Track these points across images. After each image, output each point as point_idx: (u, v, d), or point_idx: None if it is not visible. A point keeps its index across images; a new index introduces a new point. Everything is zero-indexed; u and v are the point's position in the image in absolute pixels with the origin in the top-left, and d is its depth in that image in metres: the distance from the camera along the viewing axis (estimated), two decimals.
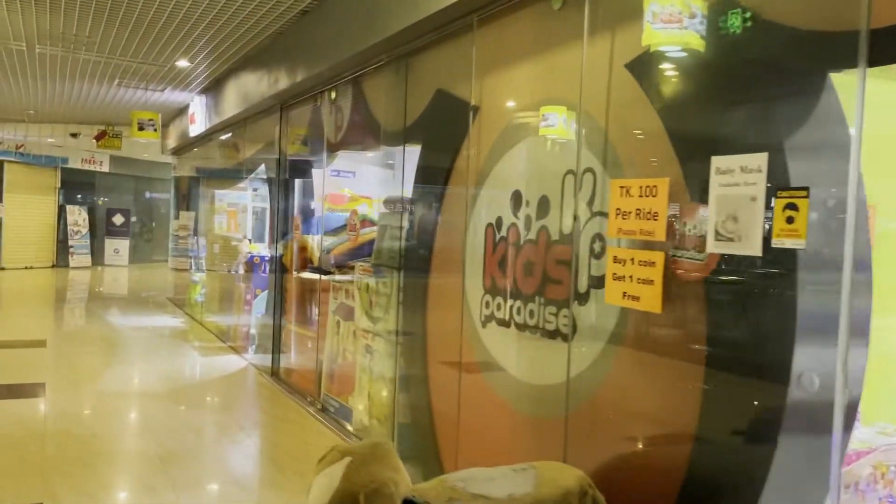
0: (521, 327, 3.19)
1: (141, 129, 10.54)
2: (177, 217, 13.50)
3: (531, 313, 3.13)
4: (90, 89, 9.59)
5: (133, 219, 20.20)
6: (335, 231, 6.29)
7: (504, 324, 3.32)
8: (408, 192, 4.31)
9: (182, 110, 10.36)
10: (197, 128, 9.35)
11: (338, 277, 5.36)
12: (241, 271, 8.39)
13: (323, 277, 5.59)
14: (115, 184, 19.51)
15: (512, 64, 3.42)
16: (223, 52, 6.93)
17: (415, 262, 4.21)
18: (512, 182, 3.34)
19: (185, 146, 11.44)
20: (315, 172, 5.98)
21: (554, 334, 2.98)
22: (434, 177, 4.06)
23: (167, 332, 9.15)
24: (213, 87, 8.56)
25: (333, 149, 5.56)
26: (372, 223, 5.79)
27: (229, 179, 9.75)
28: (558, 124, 3.12)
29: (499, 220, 3.41)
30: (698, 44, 2.33)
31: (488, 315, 3.45)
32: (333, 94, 5.41)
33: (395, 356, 4.35)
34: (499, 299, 3.37)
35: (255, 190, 8.76)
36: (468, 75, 3.64)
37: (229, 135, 9.01)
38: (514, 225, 3.28)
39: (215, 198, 11.75)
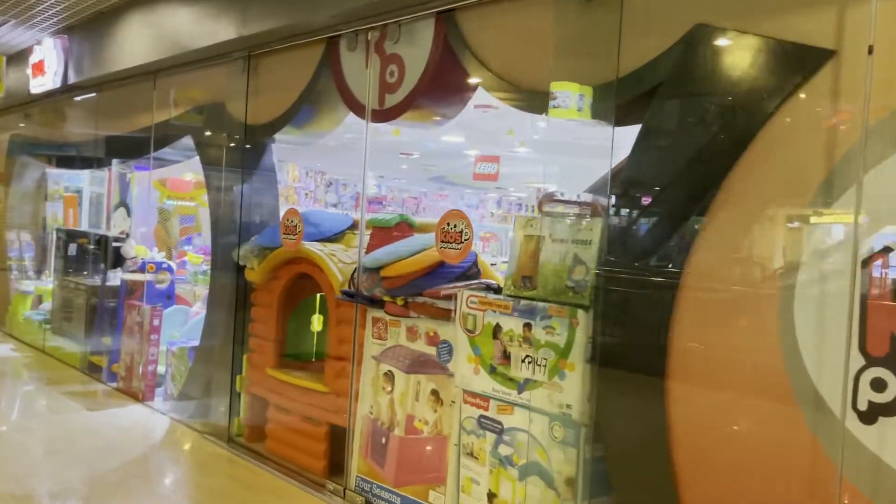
0: None
1: None
2: None
3: None
4: None
5: None
6: (337, 236, 4.44)
7: None
8: (607, 185, 2.75)
9: (16, 57, 7.54)
10: (45, 82, 6.74)
11: (381, 308, 3.58)
12: (124, 283, 6.07)
13: (368, 308, 3.75)
14: None
15: None
16: None
17: (629, 298, 2.66)
18: None
19: (12, 107, 8.46)
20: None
21: None
22: (694, 166, 2.54)
23: None
24: (87, 27, 6.10)
25: (383, 117, 3.74)
26: (409, 226, 4.06)
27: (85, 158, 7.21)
28: None
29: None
30: None
31: (880, 403, 2.04)
32: (396, 37, 3.61)
33: (577, 445, 2.76)
34: None
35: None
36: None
37: (92, 95, 6.56)
38: None
39: (47, 179, 8.95)
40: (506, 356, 3.02)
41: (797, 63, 2.28)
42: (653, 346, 2.55)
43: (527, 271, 2.98)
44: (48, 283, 8.00)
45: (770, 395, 2.28)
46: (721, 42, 2.50)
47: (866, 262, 2.09)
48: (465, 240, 3.19)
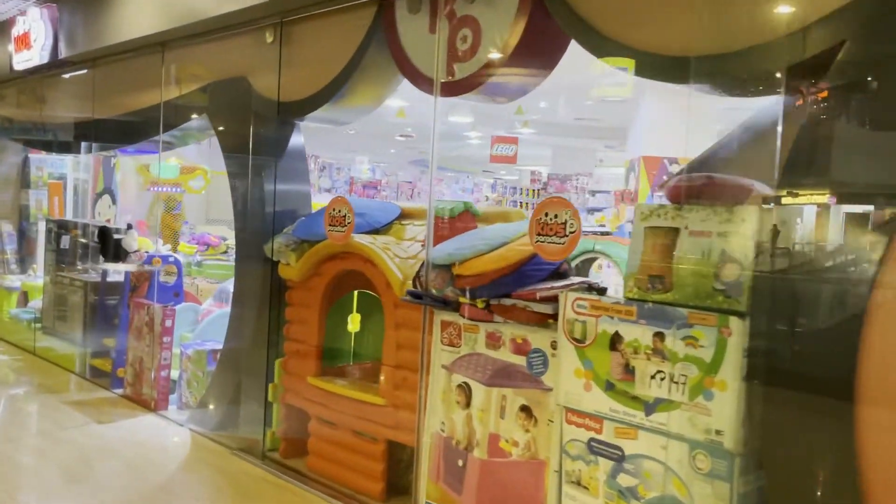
0: None
1: None
2: None
3: None
4: None
5: None
6: (385, 228, 3.94)
7: None
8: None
9: None
10: (30, 57, 6.09)
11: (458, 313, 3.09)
12: (128, 279, 5.50)
13: (435, 309, 3.25)
14: None
15: None
16: None
17: (800, 301, 2.20)
18: None
19: None
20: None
21: None
22: None
23: None
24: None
25: (452, 90, 3.23)
26: (473, 216, 3.58)
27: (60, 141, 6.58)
28: None
29: None
30: None
31: None
32: None
33: (730, 478, 2.30)
34: None
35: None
36: None
37: (83, 72, 5.93)
38: None
39: (30, 165, 8.29)
40: (628, 371, 2.56)
41: None
42: (836, 359, 2.10)
43: (655, 270, 2.51)
44: (36, 278, 7.38)
45: None
46: None
47: None
48: (571, 233, 2.70)
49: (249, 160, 4.22)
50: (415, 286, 3.31)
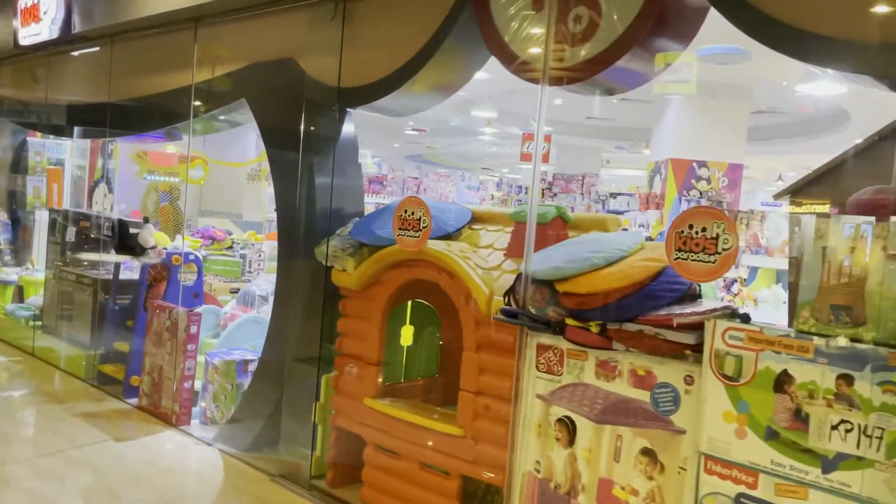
0: None
1: None
2: None
3: None
4: None
5: None
6: (456, 233, 3.49)
7: None
8: None
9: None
10: (39, 31, 5.57)
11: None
12: (142, 276, 5.02)
13: (532, 333, 2.81)
14: None
15: None
16: None
17: None
18: None
19: None
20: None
21: None
22: None
23: None
24: None
25: (562, 79, 2.79)
26: (564, 223, 3.15)
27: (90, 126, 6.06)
28: None
29: None
30: None
31: None
32: None
33: None
34: None
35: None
36: None
37: (95, 49, 5.42)
38: None
39: (28, 149, 7.75)
40: (799, 418, 2.13)
41: None
42: None
43: (840, 298, 2.09)
44: (35, 272, 6.85)
45: None
46: None
47: None
48: (725, 249, 2.28)
49: (300, 151, 3.75)
50: (507, 303, 2.87)
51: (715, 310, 2.42)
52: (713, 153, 9.17)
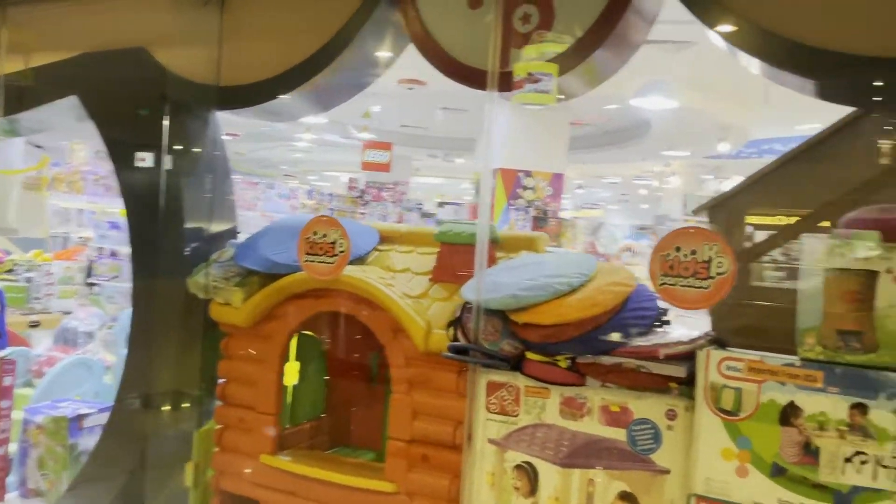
0: None
1: None
2: None
3: None
4: None
5: None
6: (363, 257, 3.05)
7: None
8: None
9: None
10: None
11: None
12: None
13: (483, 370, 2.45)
14: None
15: None
16: None
17: None
18: None
19: None
20: None
21: None
22: None
23: None
24: None
25: (508, 84, 2.48)
26: (493, 242, 2.86)
27: None
28: None
29: None
30: None
31: None
32: None
33: None
34: None
35: None
36: None
37: None
38: None
39: None
40: (808, 452, 2.01)
41: None
42: None
43: (850, 324, 1.99)
44: None
45: None
46: None
47: None
48: (719, 274, 2.11)
49: (160, 159, 3.10)
50: (454, 337, 2.51)
51: (699, 337, 2.26)
52: (537, 163, 9.43)
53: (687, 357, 2.19)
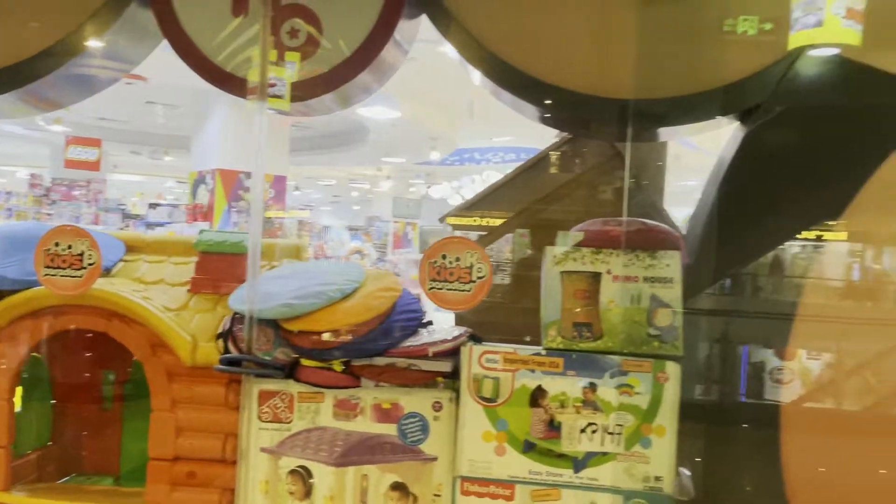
0: None
1: None
2: None
3: None
4: None
5: None
6: (110, 269, 2.85)
7: None
8: None
9: None
10: None
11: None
12: None
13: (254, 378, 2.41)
14: None
15: None
16: None
17: (720, 340, 2.36)
18: None
19: None
20: None
21: None
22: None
23: None
24: None
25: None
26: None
27: None
28: None
29: None
30: None
31: None
32: None
33: None
34: None
35: None
36: None
37: None
38: None
39: None
40: (553, 427, 2.36)
41: None
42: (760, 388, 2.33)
43: (581, 317, 2.38)
44: None
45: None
46: None
47: None
48: (480, 278, 2.38)
49: None
50: (225, 349, 2.47)
51: (461, 335, 2.51)
52: (255, 165, 9.22)
53: (451, 353, 2.43)
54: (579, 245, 2.41)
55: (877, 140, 2.38)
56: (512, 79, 2.60)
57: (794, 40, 2.37)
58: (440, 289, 2.39)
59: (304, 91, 2.53)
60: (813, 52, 2.36)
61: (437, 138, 10.64)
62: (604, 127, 2.76)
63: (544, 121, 3.02)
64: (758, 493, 2.41)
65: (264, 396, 2.51)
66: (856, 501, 2.30)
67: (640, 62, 2.34)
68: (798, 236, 2.88)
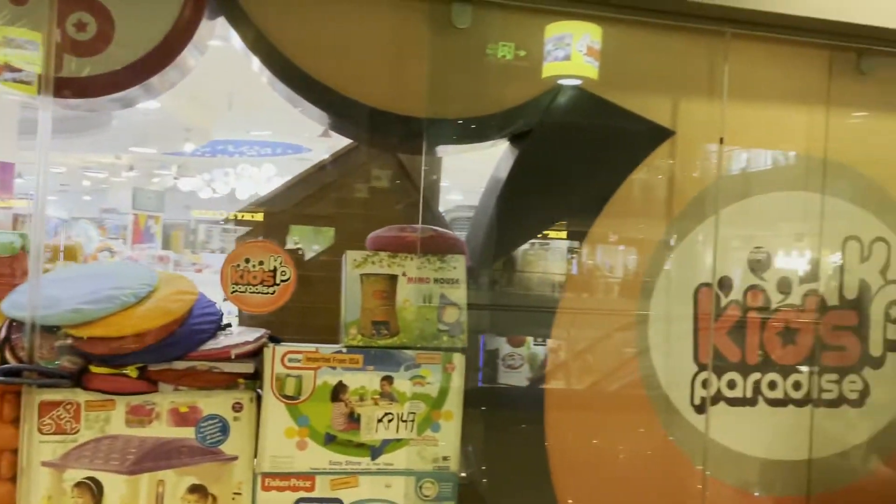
0: (782, 402, 2.95)
1: None
2: None
3: (796, 385, 2.97)
4: None
5: None
6: None
7: (746, 402, 2.92)
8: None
9: None
10: None
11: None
12: None
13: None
14: None
15: None
16: None
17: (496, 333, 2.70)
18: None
19: None
20: None
21: (836, 403, 3.01)
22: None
23: None
24: None
25: (79, 90, 2.34)
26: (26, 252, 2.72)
27: None
28: None
29: (725, 281, 2.92)
30: None
31: (712, 396, 2.89)
32: None
33: (453, 497, 2.62)
34: (732, 375, 2.91)
35: None
36: None
37: None
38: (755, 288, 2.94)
39: None
40: (353, 419, 2.53)
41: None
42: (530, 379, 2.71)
43: (379, 316, 2.57)
44: None
45: (633, 409, 2.82)
46: None
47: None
48: (283, 281, 2.47)
49: None
50: (3, 359, 2.28)
51: (261, 336, 2.57)
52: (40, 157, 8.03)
53: (253, 354, 2.48)
54: (377, 250, 2.60)
55: (610, 162, 2.88)
56: (310, 88, 2.71)
57: (547, 70, 2.81)
58: (243, 292, 2.44)
59: (108, 84, 2.42)
60: (562, 82, 2.81)
61: (192, 129, 10.18)
62: (393, 140, 2.98)
63: (333, 127, 3.18)
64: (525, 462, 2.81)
65: (46, 407, 2.36)
66: (595, 463, 2.78)
67: (432, 85, 2.59)
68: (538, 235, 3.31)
